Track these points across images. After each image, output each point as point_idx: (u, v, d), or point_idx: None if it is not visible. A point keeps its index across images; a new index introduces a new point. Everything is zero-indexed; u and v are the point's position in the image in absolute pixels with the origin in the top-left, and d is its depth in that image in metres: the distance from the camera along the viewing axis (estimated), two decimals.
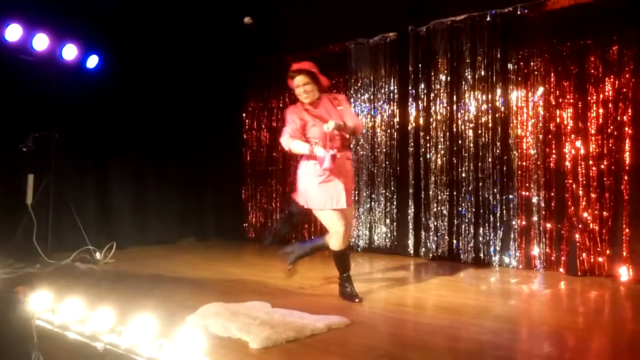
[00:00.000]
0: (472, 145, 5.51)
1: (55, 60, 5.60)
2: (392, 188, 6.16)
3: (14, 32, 5.19)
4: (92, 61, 5.93)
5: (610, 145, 4.73)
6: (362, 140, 6.38)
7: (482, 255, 5.42)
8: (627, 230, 4.60)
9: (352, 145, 6.46)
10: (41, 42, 5.39)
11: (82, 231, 5.43)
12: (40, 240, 5.31)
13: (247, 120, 7.64)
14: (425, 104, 5.83)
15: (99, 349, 2.47)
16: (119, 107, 6.35)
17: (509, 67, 5.29)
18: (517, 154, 5.24)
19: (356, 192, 6.42)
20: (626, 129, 4.64)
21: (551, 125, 5.05)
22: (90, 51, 5.89)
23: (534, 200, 5.12)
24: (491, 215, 5.39)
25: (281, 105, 7.24)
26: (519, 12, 5.20)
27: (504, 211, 5.32)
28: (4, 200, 5.47)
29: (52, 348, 2.60)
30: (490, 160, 5.40)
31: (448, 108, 5.67)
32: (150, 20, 6.16)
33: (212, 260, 5.64)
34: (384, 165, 6.21)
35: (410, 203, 5.95)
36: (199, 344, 2.41)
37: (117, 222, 6.36)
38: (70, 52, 5.66)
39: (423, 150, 5.84)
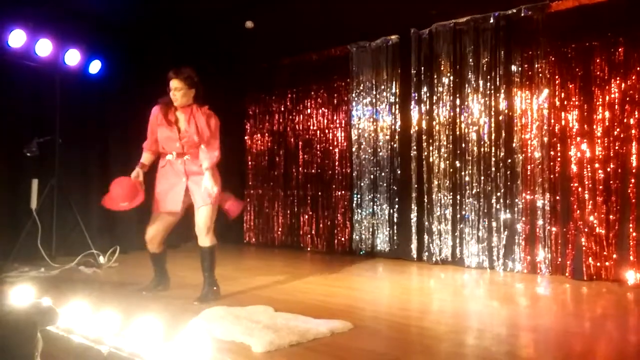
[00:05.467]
0: (475, 148, 5.49)
1: (58, 65, 5.61)
2: (395, 192, 6.13)
3: (17, 38, 5.19)
4: (95, 66, 5.94)
5: (616, 147, 4.69)
6: (364, 144, 6.36)
7: (486, 259, 5.38)
8: (634, 234, 4.55)
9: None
10: (44, 47, 5.40)
11: (85, 235, 5.43)
12: (45, 244, 5.31)
13: (248, 125, 7.64)
14: (427, 107, 5.82)
15: (104, 352, 2.47)
16: (122, 111, 6.35)
17: (512, 69, 5.27)
18: (521, 157, 5.21)
19: (358, 196, 6.40)
20: (633, 131, 4.60)
21: (556, 128, 5.02)
22: (92, 56, 5.90)
23: (539, 203, 5.09)
24: (495, 219, 5.35)
25: (282, 109, 7.24)
26: (522, 14, 5.18)
27: (508, 215, 5.28)
28: (9, 204, 5.47)
29: (57, 351, 2.59)
30: (494, 163, 5.37)
31: (451, 111, 5.65)
32: (152, 24, 6.17)
33: None
34: (386, 169, 6.19)
35: (413, 207, 5.91)
36: (202, 347, 2.40)
37: (121, 227, 6.35)
38: (73, 57, 5.67)
39: (426, 153, 5.82)
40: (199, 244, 3.96)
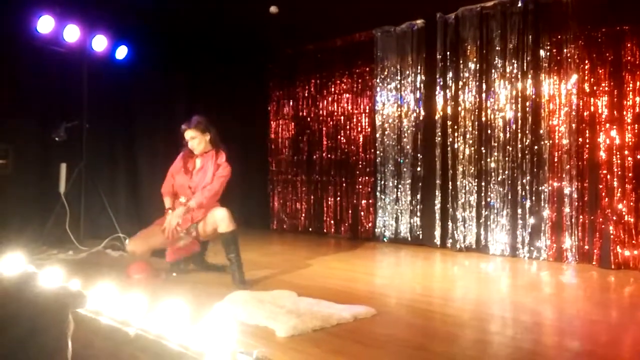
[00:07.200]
0: (501, 134, 5.41)
1: (85, 51, 5.68)
2: (419, 178, 6.09)
3: (46, 24, 5.27)
4: (122, 52, 6.00)
5: None
6: (388, 129, 6.32)
7: (510, 247, 5.32)
8: None
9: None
10: (72, 33, 5.47)
11: (112, 219, 5.53)
12: (73, 227, 5.43)
13: (272, 110, 7.64)
14: (453, 92, 5.74)
15: (131, 334, 2.52)
16: (148, 96, 6.42)
17: (541, 54, 5.16)
18: (548, 144, 5.12)
19: (382, 182, 6.39)
20: None
21: (585, 114, 4.91)
22: (119, 42, 5.95)
23: (566, 191, 5.00)
24: (521, 207, 5.28)
25: (306, 94, 7.22)
26: None
27: (534, 202, 5.21)
28: (38, 188, 5.59)
29: (85, 332, 2.65)
30: (520, 150, 5.29)
31: (477, 97, 5.57)
32: (178, 10, 6.18)
33: None
34: (410, 155, 6.14)
35: (437, 193, 5.87)
36: (227, 331, 2.44)
37: (147, 211, 6.43)
38: (100, 43, 5.74)
39: (451, 139, 5.76)
40: (219, 230, 3.99)
